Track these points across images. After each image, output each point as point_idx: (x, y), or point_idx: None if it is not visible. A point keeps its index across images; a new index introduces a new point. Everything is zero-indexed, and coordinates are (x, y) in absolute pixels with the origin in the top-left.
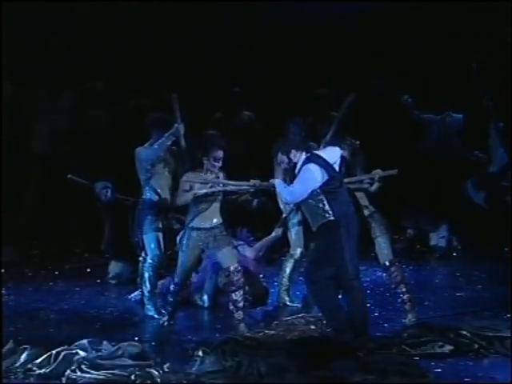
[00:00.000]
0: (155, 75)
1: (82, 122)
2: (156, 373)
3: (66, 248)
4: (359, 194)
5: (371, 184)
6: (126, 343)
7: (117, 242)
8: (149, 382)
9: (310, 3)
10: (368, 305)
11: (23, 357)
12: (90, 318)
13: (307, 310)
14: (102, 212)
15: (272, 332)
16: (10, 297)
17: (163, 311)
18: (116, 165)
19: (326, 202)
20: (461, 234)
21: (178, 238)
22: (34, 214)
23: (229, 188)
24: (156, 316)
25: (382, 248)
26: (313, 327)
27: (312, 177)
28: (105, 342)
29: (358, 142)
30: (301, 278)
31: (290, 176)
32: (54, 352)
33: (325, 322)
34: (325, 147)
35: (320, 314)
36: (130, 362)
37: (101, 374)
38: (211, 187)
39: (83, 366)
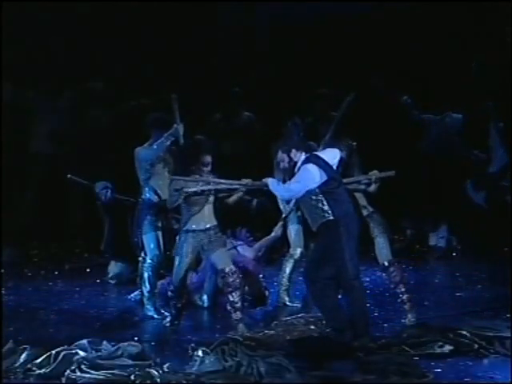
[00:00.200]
0: (155, 75)
1: (82, 122)
2: (156, 373)
3: (66, 248)
4: (357, 195)
5: (368, 185)
6: (125, 343)
7: (116, 242)
8: (149, 382)
9: (310, 3)
10: (368, 305)
11: (23, 357)
12: (90, 318)
13: (307, 310)
14: (101, 212)
15: (272, 332)
16: (10, 297)
17: (163, 311)
18: (116, 165)
19: (325, 202)
20: (461, 234)
21: (177, 238)
22: (33, 214)
23: (220, 187)
24: (156, 316)
25: (381, 248)
26: (313, 327)
27: (310, 176)
28: (105, 342)
29: (354, 143)
30: (301, 278)
31: (289, 175)
32: (53, 352)
33: (324, 322)
34: (324, 148)
35: (320, 314)
36: (130, 361)
37: (100, 374)
38: (202, 186)
39: (83, 366)
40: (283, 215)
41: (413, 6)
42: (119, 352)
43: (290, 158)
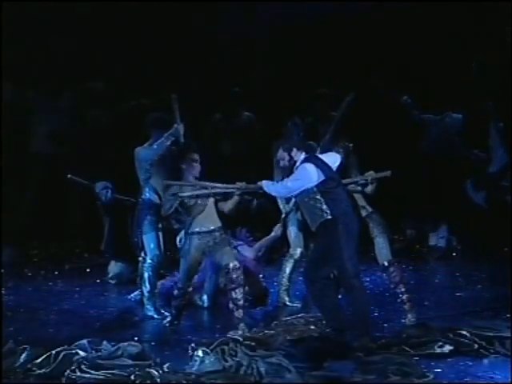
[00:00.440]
0: (155, 75)
1: (81, 122)
2: (156, 373)
3: (66, 248)
4: (356, 195)
5: (365, 185)
6: (125, 343)
7: (116, 242)
8: (149, 382)
9: (310, 3)
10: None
11: (23, 357)
12: (90, 318)
13: (307, 310)
14: (101, 212)
15: (272, 332)
16: (10, 297)
17: (163, 311)
18: (116, 165)
19: (323, 202)
20: (461, 234)
21: (177, 238)
22: (34, 214)
23: (215, 191)
24: (156, 316)
25: (381, 248)
26: (313, 327)
27: (307, 175)
28: (105, 342)
29: (351, 145)
30: (301, 278)
31: (288, 174)
32: (53, 352)
33: (324, 322)
34: (323, 148)
35: (320, 314)
36: (130, 362)
37: (100, 374)
38: (197, 190)
39: (83, 366)
40: (283, 215)
41: (413, 6)
42: (119, 352)
43: (291, 157)
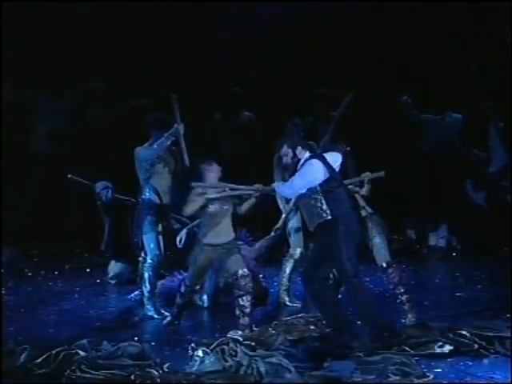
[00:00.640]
0: (155, 75)
1: (81, 122)
2: (156, 373)
3: (66, 248)
4: (357, 196)
5: (361, 186)
6: (125, 343)
7: (116, 242)
8: (149, 382)
9: (310, 3)
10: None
11: (23, 357)
12: (90, 318)
13: (307, 310)
14: (102, 212)
15: (272, 332)
16: (10, 297)
17: (163, 311)
18: (116, 165)
19: (324, 202)
20: (461, 234)
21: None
22: (34, 214)
23: (234, 193)
24: (156, 316)
25: (379, 249)
26: (313, 327)
27: (314, 172)
28: (105, 342)
29: (348, 148)
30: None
31: (290, 172)
32: (53, 352)
33: (324, 322)
34: (323, 149)
35: (319, 314)
36: (130, 361)
37: (100, 374)
38: (220, 192)
39: (83, 366)
40: (283, 215)
41: (413, 6)
42: (119, 352)
43: (295, 154)
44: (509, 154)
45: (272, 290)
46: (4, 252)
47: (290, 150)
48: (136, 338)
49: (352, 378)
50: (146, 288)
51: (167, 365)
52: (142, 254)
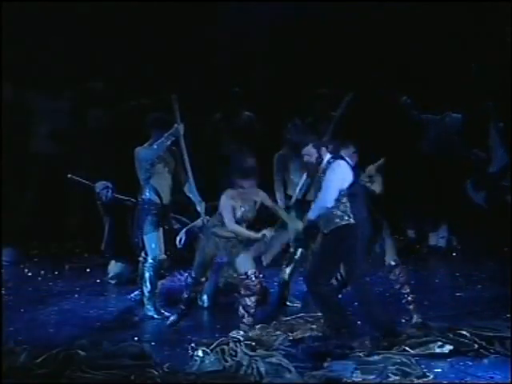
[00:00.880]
0: (155, 75)
1: (81, 122)
2: (156, 373)
3: (66, 248)
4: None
5: (371, 182)
6: (126, 343)
7: (116, 242)
8: (149, 382)
9: (310, 3)
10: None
11: (23, 357)
12: (90, 318)
13: (307, 310)
14: (102, 212)
15: (272, 332)
16: (10, 297)
17: (163, 311)
18: (116, 165)
19: (348, 205)
20: (461, 234)
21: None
22: (34, 214)
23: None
24: (156, 316)
25: (391, 248)
26: (313, 327)
27: (343, 173)
28: (105, 342)
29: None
30: (301, 278)
31: (311, 172)
32: (53, 352)
33: (324, 321)
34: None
35: (320, 314)
36: (130, 362)
37: (100, 374)
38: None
39: (83, 366)
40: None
41: (413, 6)
42: (119, 352)
43: (319, 155)
44: (509, 154)
45: (272, 290)
46: (4, 252)
47: (314, 151)
48: (136, 338)
49: (352, 377)
50: (147, 288)
51: (167, 365)
52: (143, 254)
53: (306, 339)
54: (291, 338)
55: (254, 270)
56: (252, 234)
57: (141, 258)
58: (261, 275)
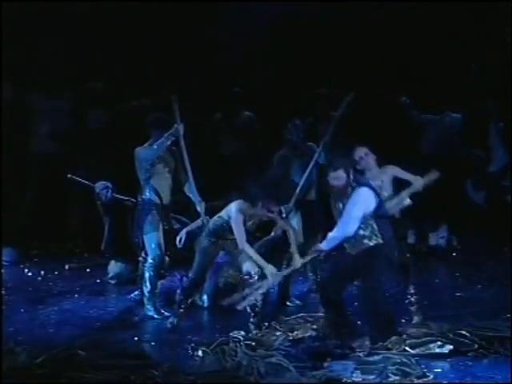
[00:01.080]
0: (155, 75)
1: (82, 122)
2: (156, 373)
3: (66, 248)
4: None
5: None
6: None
7: (116, 242)
8: (149, 381)
9: (310, 3)
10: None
11: (23, 357)
12: (90, 318)
13: (307, 310)
14: (101, 212)
15: (272, 332)
16: (10, 297)
17: (163, 311)
18: (116, 165)
19: (375, 227)
20: (461, 234)
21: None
22: (34, 214)
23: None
24: (156, 316)
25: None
26: (313, 327)
27: (367, 199)
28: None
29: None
30: (301, 278)
31: (338, 196)
32: (53, 352)
33: (324, 321)
34: (323, 148)
35: (320, 314)
36: (130, 362)
37: (100, 374)
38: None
39: (83, 366)
40: (283, 215)
41: (413, 6)
42: (119, 352)
43: (349, 178)
44: (509, 154)
45: (272, 290)
46: (4, 252)
47: (344, 175)
48: (136, 338)
49: (352, 377)
50: (147, 288)
51: (167, 365)
52: (143, 254)
53: (306, 339)
54: (291, 337)
55: (257, 270)
56: (262, 262)
57: (141, 258)
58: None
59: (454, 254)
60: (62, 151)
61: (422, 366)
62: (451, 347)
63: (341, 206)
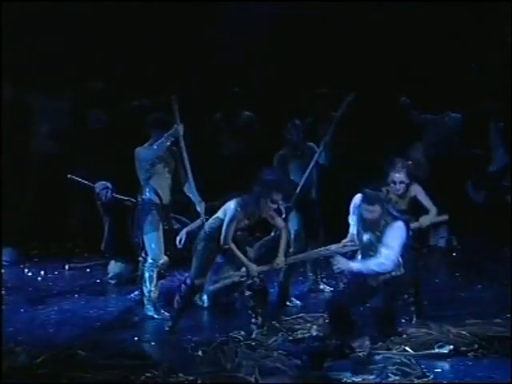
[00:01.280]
0: (155, 75)
1: (82, 122)
2: (156, 373)
3: (66, 248)
4: None
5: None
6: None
7: (116, 242)
8: (149, 382)
9: (310, 3)
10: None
11: (23, 357)
12: (90, 318)
13: (307, 310)
14: (101, 212)
15: (272, 332)
16: (10, 297)
17: (163, 311)
18: (116, 165)
19: (400, 259)
20: (461, 234)
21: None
22: (34, 214)
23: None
24: (156, 316)
25: None
26: (313, 327)
27: (406, 240)
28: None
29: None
30: (301, 278)
31: (369, 227)
32: (54, 352)
33: (324, 321)
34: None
35: (319, 314)
36: (130, 362)
37: (100, 374)
38: None
39: (84, 366)
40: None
41: (413, 6)
42: (119, 352)
43: (383, 213)
44: (509, 154)
45: (272, 290)
46: (4, 252)
47: (379, 208)
48: (136, 338)
49: (352, 378)
50: (147, 288)
51: (167, 365)
52: (143, 254)
53: (306, 339)
54: (291, 337)
55: (260, 270)
56: (245, 261)
57: (141, 258)
58: (261, 275)
59: (454, 254)
60: (62, 151)
61: (422, 366)
62: (451, 347)
63: (373, 237)
